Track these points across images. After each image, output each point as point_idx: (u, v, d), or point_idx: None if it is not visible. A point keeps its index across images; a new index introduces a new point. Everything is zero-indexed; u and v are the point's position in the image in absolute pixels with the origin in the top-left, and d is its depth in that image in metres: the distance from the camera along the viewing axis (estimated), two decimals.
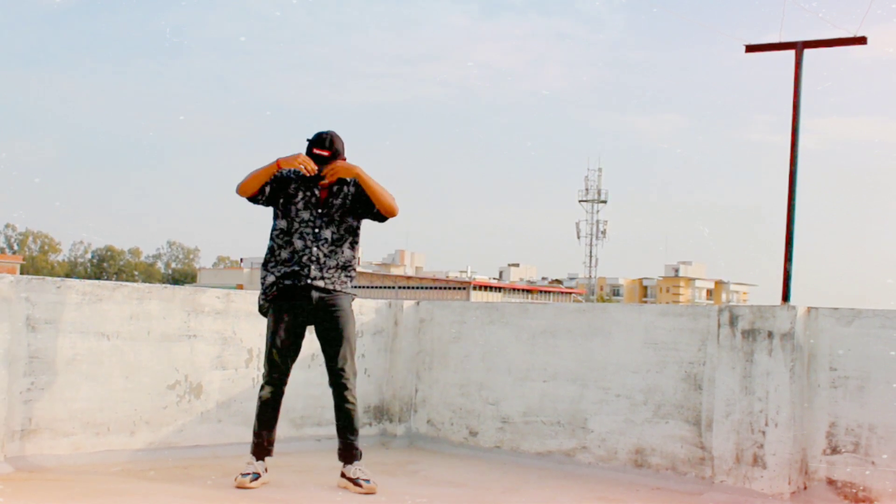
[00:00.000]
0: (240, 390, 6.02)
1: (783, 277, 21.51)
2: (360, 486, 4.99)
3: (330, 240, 5.11)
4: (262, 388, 5.16)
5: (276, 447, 6.08)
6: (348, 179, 5.15)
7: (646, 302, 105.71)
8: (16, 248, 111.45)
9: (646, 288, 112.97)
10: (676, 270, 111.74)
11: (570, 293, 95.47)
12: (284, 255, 5.11)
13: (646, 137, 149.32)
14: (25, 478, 4.86)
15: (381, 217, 5.19)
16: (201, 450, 5.77)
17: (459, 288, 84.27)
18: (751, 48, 23.32)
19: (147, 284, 5.84)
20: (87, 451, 5.36)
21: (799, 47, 22.42)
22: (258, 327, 6.12)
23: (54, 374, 5.26)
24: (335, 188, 5.15)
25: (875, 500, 4.91)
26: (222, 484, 4.99)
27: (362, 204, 5.16)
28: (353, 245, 5.19)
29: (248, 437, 6.03)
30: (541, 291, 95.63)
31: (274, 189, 5.11)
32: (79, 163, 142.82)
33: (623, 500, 5.08)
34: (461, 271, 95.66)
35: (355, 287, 5.27)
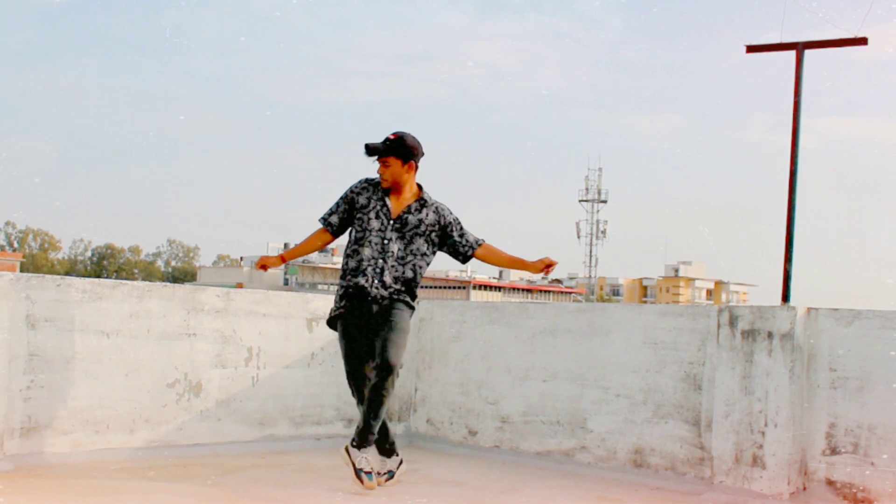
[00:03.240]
0: (239, 389, 6.02)
1: (783, 278, 21.53)
2: (360, 480, 4.89)
3: (396, 254, 5.09)
4: (357, 403, 5.16)
5: (275, 446, 6.11)
6: (429, 204, 5.17)
7: (646, 302, 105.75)
8: (16, 245, 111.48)
9: (646, 288, 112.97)
10: (676, 270, 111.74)
11: (570, 293, 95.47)
12: (352, 263, 5.11)
13: (646, 137, 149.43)
14: (25, 475, 4.86)
15: (465, 260, 5.26)
16: (201, 448, 5.77)
17: (459, 287, 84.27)
18: (752, 48, 23.34)
19: (147, 283, 5.84)
20: (87, 449, 5.36)
21: (800, 48, 22.44)
22: (258, 326, 6.12)
23: (54, 372, 5.26)
24: (413, 206, 5.14)
25: (874, 501, 4.91)
26: (222, 482, 4.99)
27: (443, 241, 5.21)
28: (418, 268, 5.13)
29: (248, 435, 6.05)
30: (541, 291, 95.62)
31: (345, 212, 5.17)
32: (79, 161, 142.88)
33: (622, 500, 5.08)
34: (461, 270, 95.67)
35: (414, 297, 5.21)
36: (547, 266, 5.16)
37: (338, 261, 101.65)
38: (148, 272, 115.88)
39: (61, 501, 4.39)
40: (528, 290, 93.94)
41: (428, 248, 5.18)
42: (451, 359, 6.62)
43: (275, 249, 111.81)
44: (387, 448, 5.16)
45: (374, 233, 5.09)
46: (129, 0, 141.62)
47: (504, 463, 6.02)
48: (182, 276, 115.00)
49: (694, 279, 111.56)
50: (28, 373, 5.17)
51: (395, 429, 6.73)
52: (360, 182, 5.20)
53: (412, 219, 5.12)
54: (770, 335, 5.21)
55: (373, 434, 5.02)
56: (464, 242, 5.23)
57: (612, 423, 5.82)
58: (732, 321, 5.36)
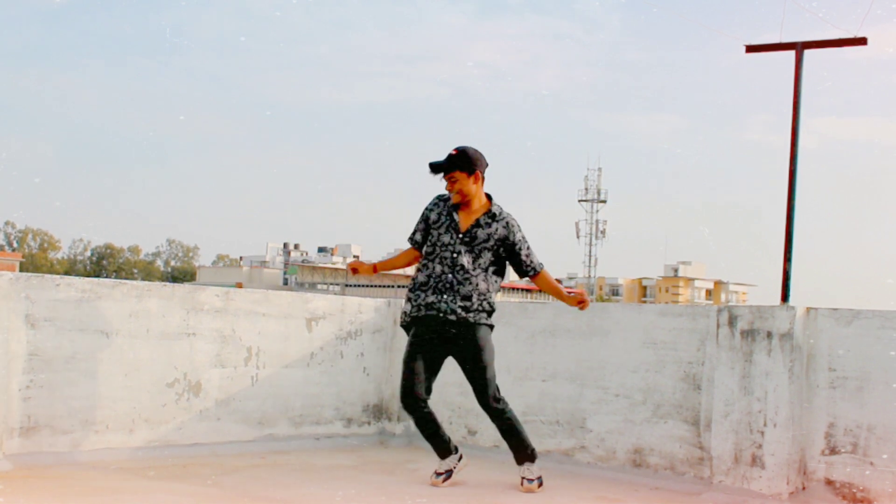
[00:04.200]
0: (239, 388, 6.02)
1: (782, 277, 21.52)
2: (521, 484, 5.19)
3: (465, 268, 5.15)
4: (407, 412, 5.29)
5: (275, 446, 6.11)
6: (499, 218, 5.22)
7: (645, 302, 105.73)
8: (15, 245, 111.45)
9: (645, 288, 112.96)
10: (676, 270, 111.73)
11: (570, 293, 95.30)
12: (422, 277, 5.22)
13: (645, 137, 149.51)
14: (24, 475, 4.86)
15: (523, 276, 5.35)
16: (200, 448, 5.77)
17: None
18: (751, 48, 23.32)
19: (146, 282, 5.83)
20: (86, 449, 5.36)
21: (799, 48, 22.42)
22: (257, 325, 6.12)
23: (53, 372, 5.26)
24: (482, 220, 5.19)
25: (874, 501, 4.91)
26: (221, 482, 4.99)
27: (509, 257, 5.27)
28: (490, 279, 5.22)
29: (247, 435, 6.05)
30: (540, 291, 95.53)
31: (424, 229, 5.30)
32: (78, 161, 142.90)
33: (622, 499, 5.08)
34: None
35: (490, 311, 5.26)
36: (580, 302, 5.34)
37: (337, 260, 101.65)
38: (147, 272, 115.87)
39: (61, 501, 4.39)
40: (528, 290, 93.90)
41: (498, 262, 5.26)
42: (450, 358, 6.60)
43: (274, 249, 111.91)
44: (529, 453, 5.28)
45: (444, 247, 5.18)
46: (129, 0, 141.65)
47: (503, 462, 6.02)
48: (181, 275, 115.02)
49: (693, 279, 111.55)
50: (27, 372, 5.17)
51: (394, 428, 6.73)
52: (433, 199, 5.33)
53: (481, 233, 5.19)
54: (769, 335, 5.21)
55: (532, 448, 5.27)
56: (528, 263, 5.29)
57: (611, 422, 5.82)
58: (732, 321, 5.36)
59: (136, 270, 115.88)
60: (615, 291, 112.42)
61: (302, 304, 6.39)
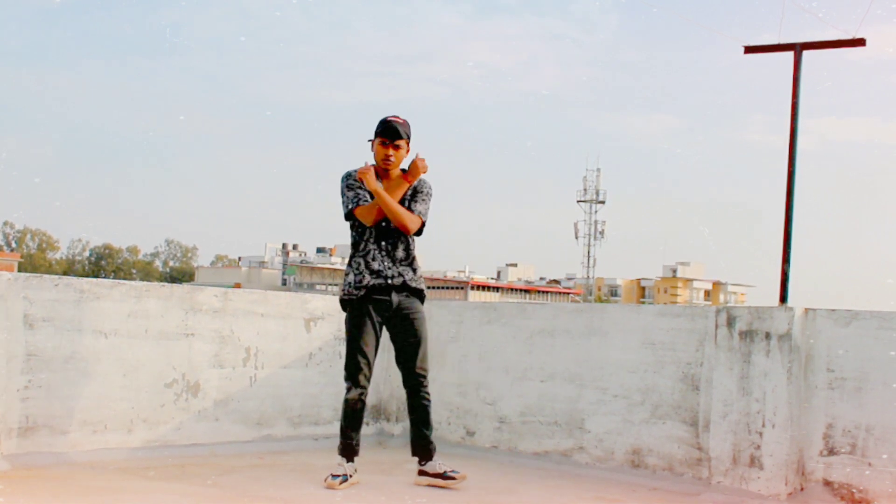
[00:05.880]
0: (237, 389, 6.02)
1: (781, 278, 21.52)
2: (453, 478, 5.10)
3: (394, 230, 5.15)
4: (348, 390, 5.14)
5: (273, 446, 6.10)
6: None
7: (643, 302, 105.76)
8: (14, 245, 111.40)
9: (643, 288, 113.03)
10: (674, 271, 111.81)
11: (568, 293, 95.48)
12: (360, 249, 5.18)
13: (644, 138, 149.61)
14: (23, 475, 4.86)
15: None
16: (199, 448, 5.77)
17: (457, 287, 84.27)
18: (750, 49, 23.32)
19: (145, 283, 5.83)
20: (85, 449, 5.36)
21: (798, 49, 22.41)
22: (256, 326, 6.12)
23: (52, 372, 5.26)
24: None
25: (872, 502, 4.92)
26: (220, 482, 4.99)
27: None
28: (411, 240, 5.23)
29: (246, 435, 6.05)
30: (539, 291, 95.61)
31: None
32: (78, 161, 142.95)
33: (620, 500, 5.08)
34: (459, 271, 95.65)
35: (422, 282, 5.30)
36: (412, 171, 5.17)
37: (336, 261, 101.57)
38: (146, 272, 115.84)
39: (59, 501, 4.38)
40: (526, 291, 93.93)
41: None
42: (448, 359, 6.62)
43: (273, 249, 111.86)
44: (431, 449, 5.23)
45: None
46: (128, 0, 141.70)
47: (502, 463, 6.02)
48: (180, 276, 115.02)
49: (692, 280, 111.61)
50: (26, 373, 5.16)
51: (393, 429, 6.74)
52: (352, 174, 5.20)
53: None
54: (768, 336, 5.21)
55: (433, 443, 5.20)
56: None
57: (609, 423, 5.82)
58: (730, 322, 5.36)
59: (134, 271, 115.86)
60: (614, 292, 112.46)
61: (300, 305, 6.39)
